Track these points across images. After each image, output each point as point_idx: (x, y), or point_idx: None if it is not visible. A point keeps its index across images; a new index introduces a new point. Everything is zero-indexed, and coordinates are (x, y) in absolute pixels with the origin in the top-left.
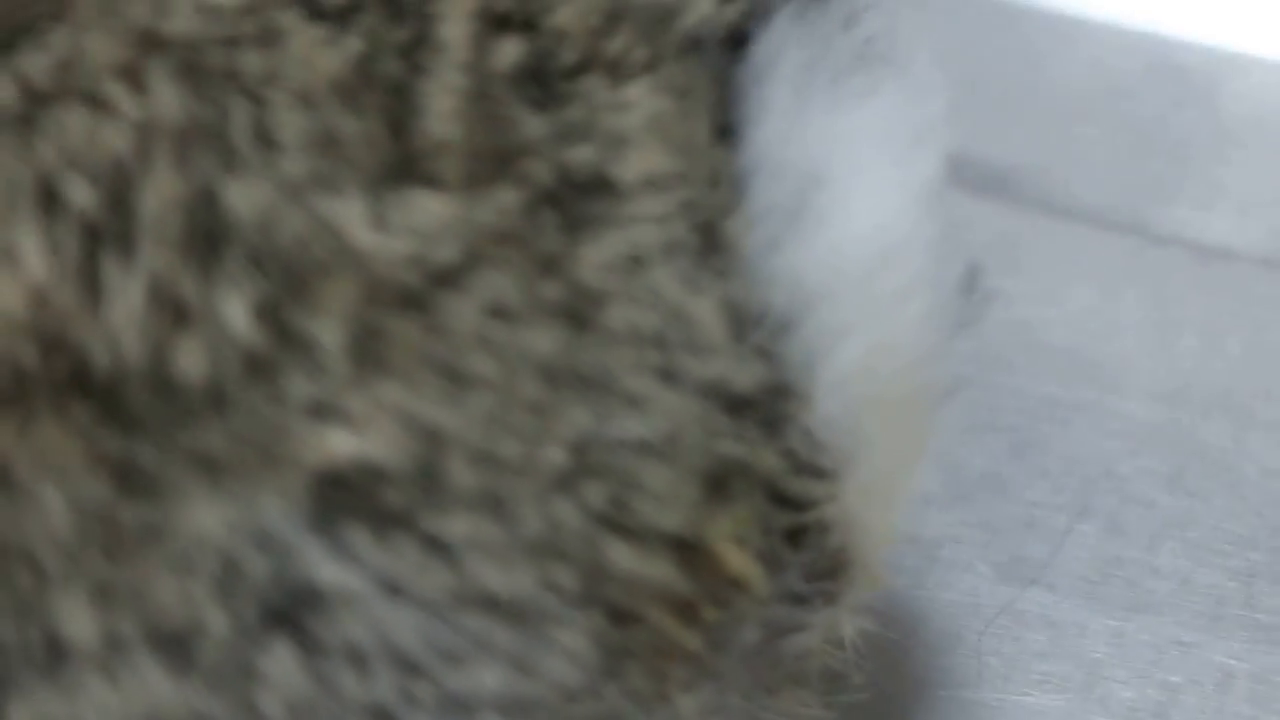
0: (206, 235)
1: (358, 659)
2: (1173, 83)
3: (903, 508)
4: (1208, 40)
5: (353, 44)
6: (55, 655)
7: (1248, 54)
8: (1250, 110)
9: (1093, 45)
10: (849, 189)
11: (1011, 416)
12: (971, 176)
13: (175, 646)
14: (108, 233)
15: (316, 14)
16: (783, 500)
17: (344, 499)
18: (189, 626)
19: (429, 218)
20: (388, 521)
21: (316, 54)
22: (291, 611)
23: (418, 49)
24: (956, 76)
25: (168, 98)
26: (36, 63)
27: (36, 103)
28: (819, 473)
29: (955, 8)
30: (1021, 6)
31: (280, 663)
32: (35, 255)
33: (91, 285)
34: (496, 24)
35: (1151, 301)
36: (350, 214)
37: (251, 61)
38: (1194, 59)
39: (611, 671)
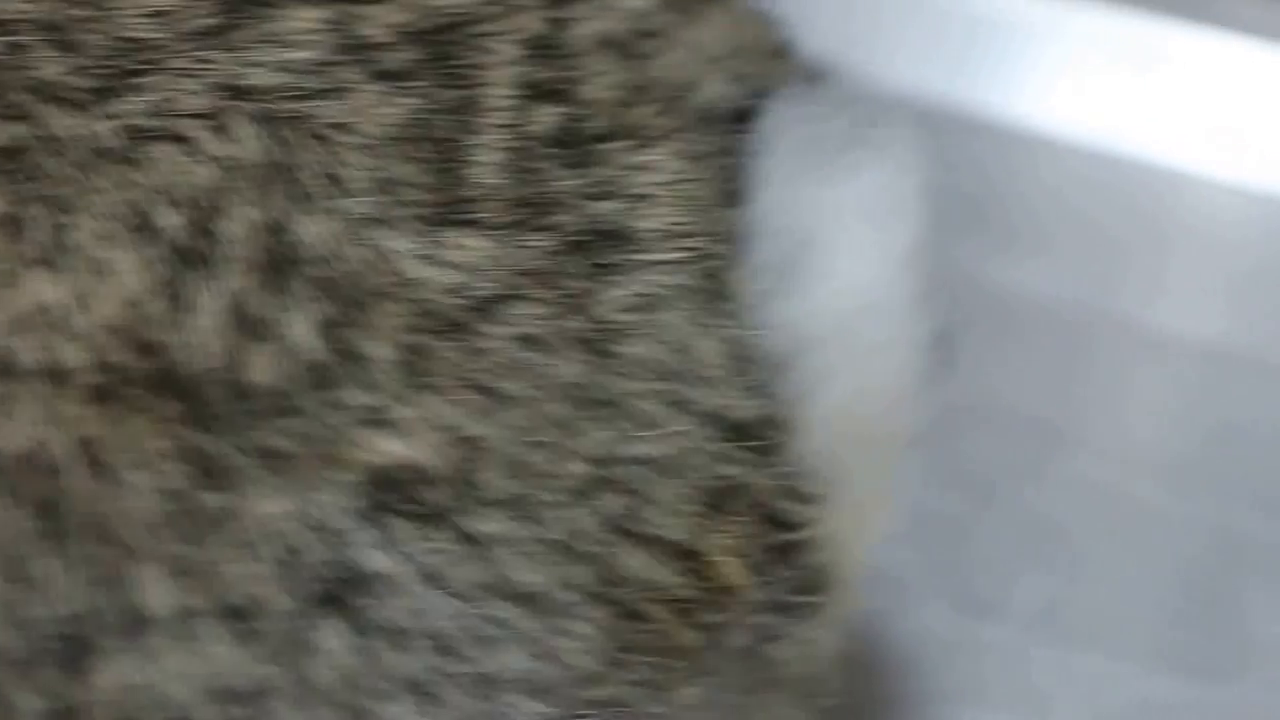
0: (279, 261)
1: (399, 638)
2: (1121, 196)
3: (876, 538)
4: (1151, 160)
5: (410, 101)
6: (136, 624)
7: (1187, 173)
8: (1187, 221)
9: (1052, 162)
10: (837, 251)
11: (975, 470)
12: (943, 267)
13: (241, 620)
14: (193, 255)
15: (379, 74)
16: (773, 520)
17: (392, 496)
18: (253, 602)
19: (472, 255)
20: (429, 518)
21: (379, 108)
22: (343, 593)
23: (466, 110)
24: (934, 184)
25: (248, 140)
26: (135, 106)
27: (135, 141)
28: (805, 497)
29: (932, 122)
30: (995, 126)
31: (331, 638)
32: (131, 271)
33: (179, 299)
34: (535, 93)
35: (1101, 379)
36: (404, 248)
37: (322, 111)
38: (1139, 176)
39: (620, 662)
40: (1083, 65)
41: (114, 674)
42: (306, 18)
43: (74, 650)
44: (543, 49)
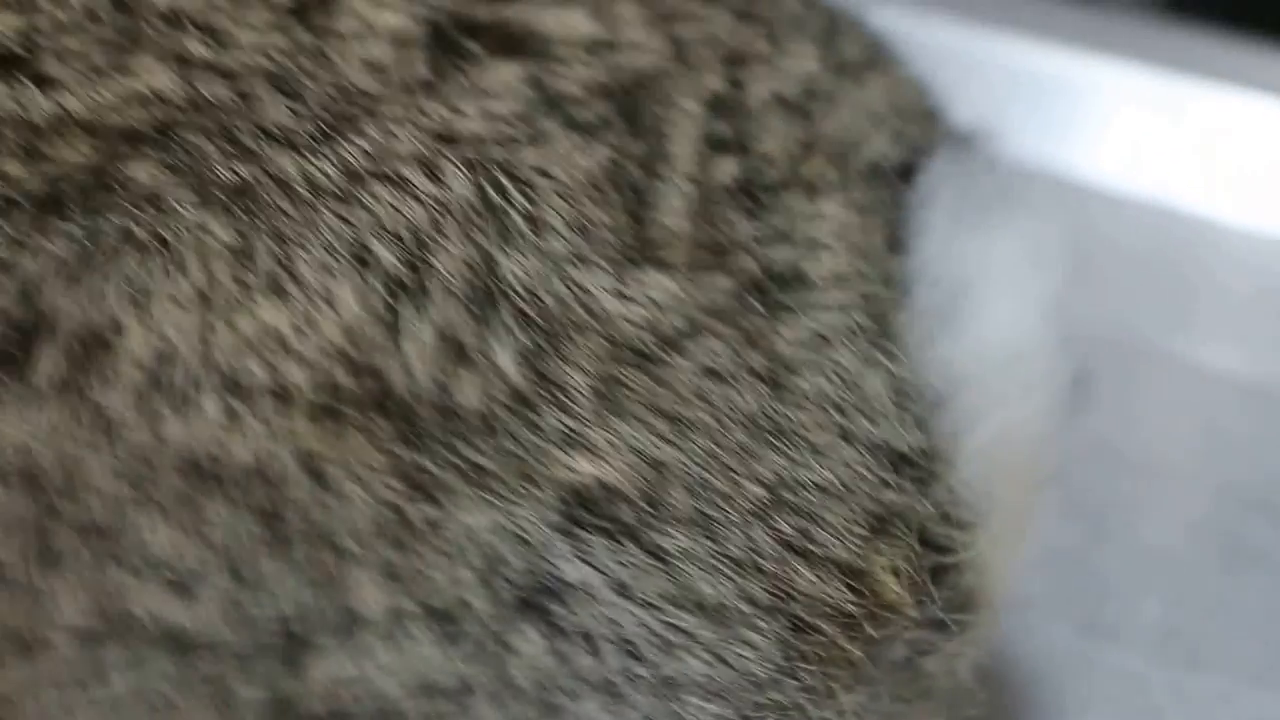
0: (485, 294)
1: (590, 643)
2: (1207, 252)
3: (1015, 563)
4: (1218, 218)
5: (602, 151)
6: (350, 623)
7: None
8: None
9: (1128, 218)
10: (990, 298)
11: (1091, 504)
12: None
13: (445, 622)
14: (408, 286)
15: (573, 125)
16: (930, 543)
17: (586, 512)
18: (457, 606)
19: (661, 293)
20: (620, 533)
21: (575, 156)
22: (539, 600)
23: (654, 160)
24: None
25: (458, 182)
26: (354, 149)
27: (353, 181)
28: (958, 524)
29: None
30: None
31: (529, 641)
32: (350, 300)
33: (394, 326)
34: (716, 146)
35: (1201, 423)
36: (599, 285)
37: (525, 157)
38: (1206, 231)
39: (790, 670)
40: (1159, 131)
41: (329, 668)
42: (507, 73)
43: (293, 646)
44: (723, 106)
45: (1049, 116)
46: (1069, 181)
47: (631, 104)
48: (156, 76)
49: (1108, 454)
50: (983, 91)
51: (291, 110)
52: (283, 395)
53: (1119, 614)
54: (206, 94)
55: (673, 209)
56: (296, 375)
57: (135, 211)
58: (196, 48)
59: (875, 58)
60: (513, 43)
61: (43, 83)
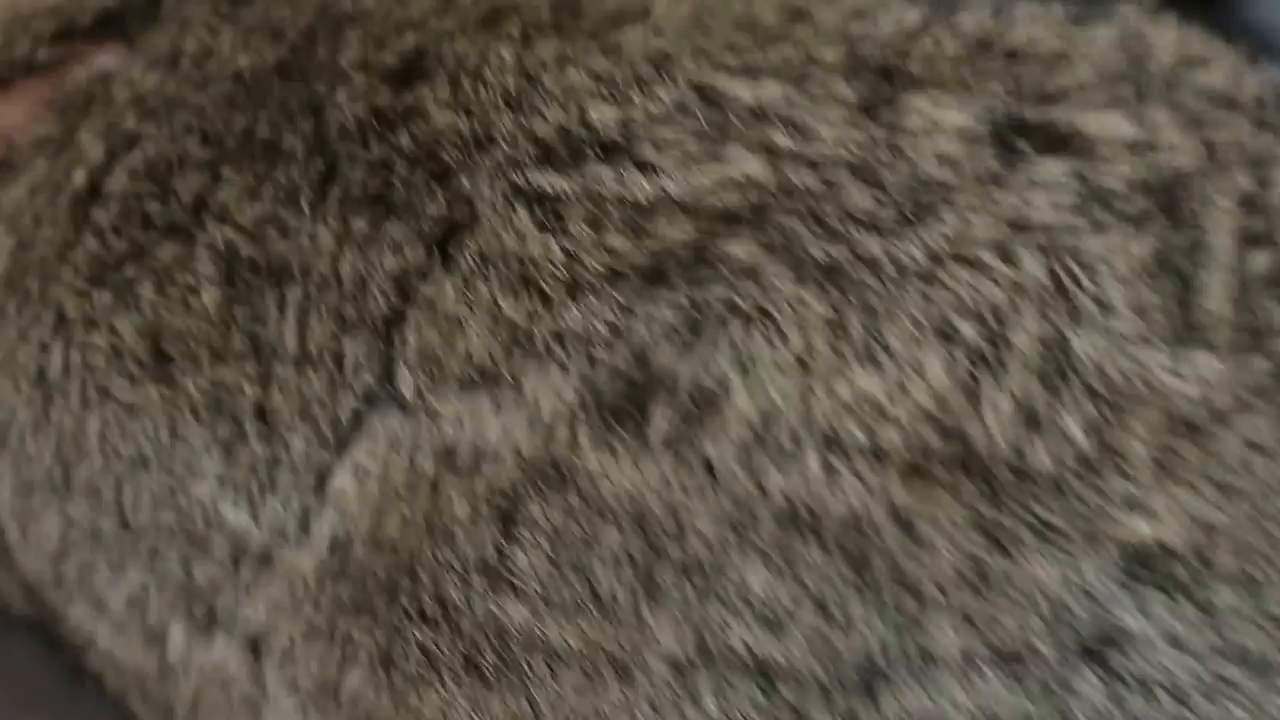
0: (1058, 368)
1: (1145, 688)
2: None
3: None
4: None
5: (1149, 241)
6: (925, 661)
7: None
8: None
9: None
10: None
11: None
12: None
13: (1013, 664)
14: (987, 358)
15: (1121, 216)
16: None
17: (1144, 569)
18: (1025, 650)
19: (1209, 371)
20: (1174, 588)
21: (1128, 244)
22: (1100, 648)
23: (1194, 251)
24: None
25: (1031, 266)
26: (935, 234)
27: (935, 262)
28: None
29: None
30: None
31: (1089, 685)
32: (937, 369)
33: (975, 395)
34: (1250, 239)
35: None
36: (1157, 362)
37: (1087, 244)
38: None
39: None
40: None
41: (903, 702)
42: (1056, 168)
43: (872, 679)
44: (1252, 204)
45: None
46: None
47: (1170, 199)
48: (747, 164)
49: None
50: None
51: (874, 197)
52: (877, 454)
53: None
54: (794, 181)
55: (1214, 295)
56: (890, 436)
57: (736, 285)
58: (781, 139)
59: None
60: (1059, 141)
61: (642, 167)
